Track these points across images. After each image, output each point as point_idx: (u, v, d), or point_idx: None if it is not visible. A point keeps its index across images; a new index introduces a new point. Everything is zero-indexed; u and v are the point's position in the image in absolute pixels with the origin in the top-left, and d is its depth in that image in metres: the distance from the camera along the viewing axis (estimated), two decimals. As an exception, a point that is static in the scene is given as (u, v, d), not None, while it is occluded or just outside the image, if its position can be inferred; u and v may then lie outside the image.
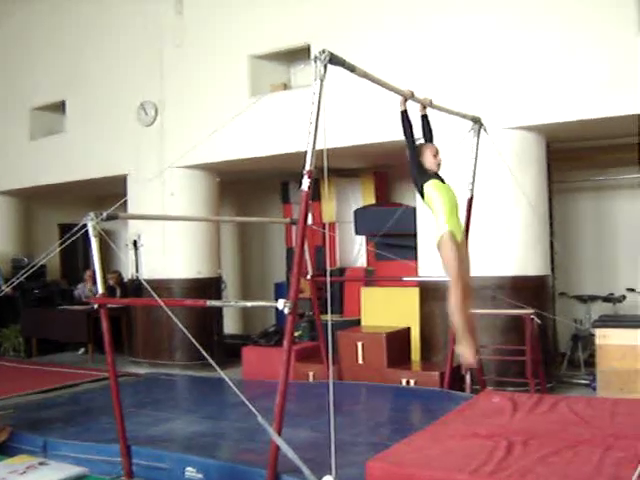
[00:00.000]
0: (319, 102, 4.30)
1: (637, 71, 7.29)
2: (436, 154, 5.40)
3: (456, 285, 5.21)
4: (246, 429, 6.01)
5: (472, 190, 6.92)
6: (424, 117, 5.81)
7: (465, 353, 5.30)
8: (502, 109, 7.89)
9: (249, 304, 5.20)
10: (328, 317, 4.65)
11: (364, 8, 8.95)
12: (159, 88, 10.84)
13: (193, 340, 4.98)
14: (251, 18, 9.90)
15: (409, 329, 8.58)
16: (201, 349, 4.81)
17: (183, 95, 10.60)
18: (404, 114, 5.45)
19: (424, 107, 5.86)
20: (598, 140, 9.33)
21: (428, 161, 5.37)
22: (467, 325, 5.27)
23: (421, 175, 5.35)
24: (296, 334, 9.77)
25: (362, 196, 11.50)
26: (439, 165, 5.41)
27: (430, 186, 5.29)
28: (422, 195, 5.38)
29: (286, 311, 4.35)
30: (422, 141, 5.65)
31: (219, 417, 6.88)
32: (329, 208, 11.36)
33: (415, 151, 5.37)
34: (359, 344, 8.15)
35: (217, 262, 11.19)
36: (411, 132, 5.40)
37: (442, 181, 5.40)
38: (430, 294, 8.33)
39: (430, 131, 5.77)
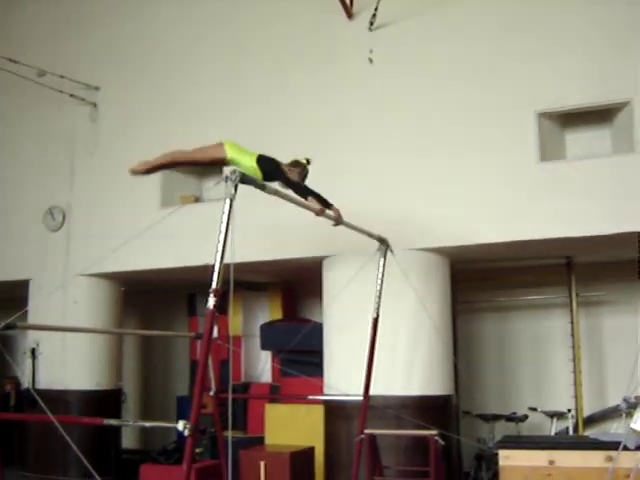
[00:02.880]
0: (228, 221, 4.31)
1: (537, 198, 7.64)
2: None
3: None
4: None
5: (377, 310, 7.00)
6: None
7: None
8: (408, 231, 8.07)
9: (147, 424, 5.04)
10: (229, 435, 4.53)
11: (274, 122, 9.16)
12: (69, 194, 10.73)
13: (83, 459, 4.74)
14: (164, 130, 9.97)
15: (313, 448, 8.42)
16: (91, 468, 4.57)
17: (93, 202, 10.50)
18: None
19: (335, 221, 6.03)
20: (500, 262, 9.63)
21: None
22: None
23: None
24: (197, 451, 9.48)
25: (269, 310, 11.44)
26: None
27: None
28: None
29: (186, 433, 4.19)
30: None
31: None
32: (235, 321, 11.24)
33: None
34: (262, 464, 7.93)
35: (118, 374, 10.86)
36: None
37: None
38: (335, 413, 8.25)
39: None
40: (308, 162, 6.03)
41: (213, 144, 5.90)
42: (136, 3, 10.79)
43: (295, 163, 5.99)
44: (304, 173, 5.99)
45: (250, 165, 5.76)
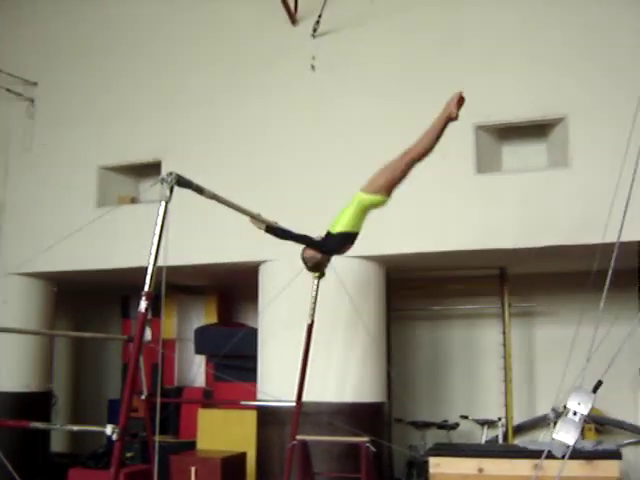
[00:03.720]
0: (162, 224, 4.25)
1: (473, 209, 7.75)
2: None
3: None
4: None
5: (312, 316, 7.00)
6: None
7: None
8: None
9: (75, 428, 4.95)
10: (156, 440, 4.48)
11: (215, 124, 9.12)
12: (2, 191, 10.47)
13: (6, 462, 4.64)
14: (102, 129, 9.85)
15: (245, 454, 8.38)
16: (13, 472, 4.47)
17: (27, 200, 10.26)
18: (269, 230, 5.81)
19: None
20: (435, 272, 9.74)
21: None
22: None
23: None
24: (128, 455, 9.36)
25: (205, 314, 11.37)
26: None
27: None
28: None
29: (114, 437, 4.13)
30: None
31: None
32: (170, 324, 11.12)
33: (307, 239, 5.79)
34: (192, 469, 7.85)
35: (48, 375, 10.63)
36: (290, 234, 5.80)
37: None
38: (268, 418, 8.21)
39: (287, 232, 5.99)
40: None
41: (390, 185, 5.83)
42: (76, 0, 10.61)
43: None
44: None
45: (343, 223, 5.82)
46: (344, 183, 8.23)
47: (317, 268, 6.09)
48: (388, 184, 5.72)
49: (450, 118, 5.58)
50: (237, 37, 9.32)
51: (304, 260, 5.99)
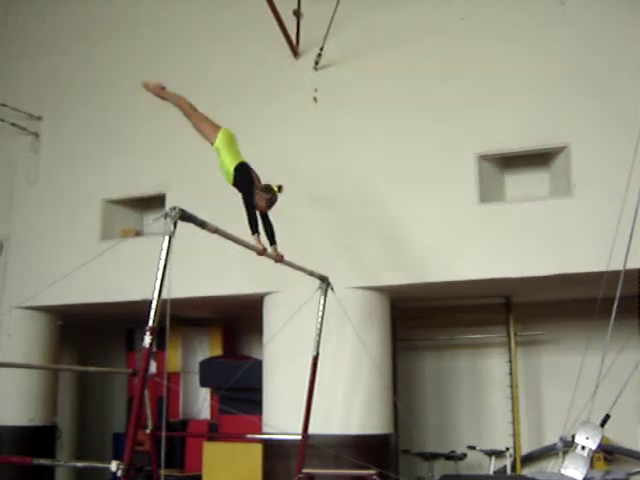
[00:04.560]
0: (166, 258, 4.26)
1: (476, 238, 7.74)
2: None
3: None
4: None
5: (317, 348, 6.98)
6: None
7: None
8: (348, 269, 8.09)
9: (79, 464, 4.90)
10: (162, 474, 4.44)
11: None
12: (7, 224, 10.52)
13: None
14: (107, 163, 9.89)
15: (251, 488, 8.32)
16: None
17: (31, 233, 10.30)
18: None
19: (276, 261, 6.11)
20: (440, 301, 9.71)
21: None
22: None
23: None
24: (133, 489, 9.29)
25: (209, 347, 11.32)
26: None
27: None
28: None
29: (119, 474, 4.11)
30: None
31: None
32: (174, 357, 11.08)
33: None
34: (197, 504, 7.81)
35: (53, 409, 10.58)
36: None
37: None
38: (274, 451, 8.14)
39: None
40: (280, 189, 6.05)
41: (213, 124, 6.42)
42: (80, 35, 10.69)
43: (267, 188, 6.01)
44: (273, 200, 6.05)
45: (227, 167, 6.11)
46: (345, 214, 8.31)
47: (270, 200, 6.06)
48: (209, 128, 6.43)
49: (160, 88, 6.75)
50: (240, 70, 9.37)
51: (267, 205, 6.07)
